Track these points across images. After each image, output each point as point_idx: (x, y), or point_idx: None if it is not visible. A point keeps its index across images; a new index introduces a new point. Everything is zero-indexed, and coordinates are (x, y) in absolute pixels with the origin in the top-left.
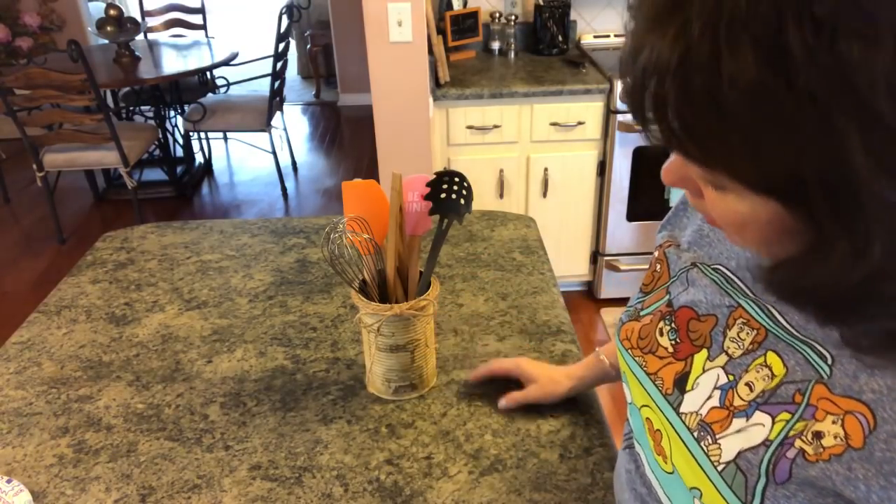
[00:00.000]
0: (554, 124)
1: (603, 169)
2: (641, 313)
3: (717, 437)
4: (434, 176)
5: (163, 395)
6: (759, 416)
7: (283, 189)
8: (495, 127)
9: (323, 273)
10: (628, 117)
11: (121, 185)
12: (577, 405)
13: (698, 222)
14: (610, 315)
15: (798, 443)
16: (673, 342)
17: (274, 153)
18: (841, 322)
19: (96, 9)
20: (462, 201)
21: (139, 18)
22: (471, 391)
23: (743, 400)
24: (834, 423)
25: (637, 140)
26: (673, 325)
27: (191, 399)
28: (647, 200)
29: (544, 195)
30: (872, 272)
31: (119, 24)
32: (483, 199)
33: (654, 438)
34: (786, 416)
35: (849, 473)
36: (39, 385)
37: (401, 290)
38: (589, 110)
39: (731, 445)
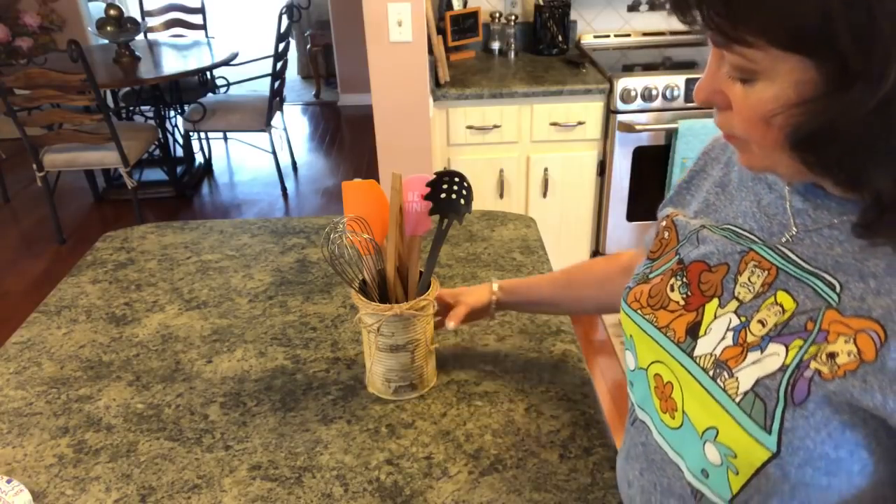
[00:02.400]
0: (554, 124)
1: (603, 169)
2: (650, 276)
3: (734, 371)
4: (434, 176)
5: (163, 395)
6: (773, 347)
7: (283, 189)
8: (495, 127)
9: (323, 273)
10: (628, 117)
11: (121, 185)
12: (577, 405)
13: (703, 194)
14: (610, 315)
15: (813, 364)
16: (684, 296)
17: (274, 153)
18: (858, 176)
19: (96, 9)
20: (462, 201)
21: (139, 18)
22: (471, 391)
23: (755, 336)
24: (846, 342)
25: (637, 140)
26: (684, 279)
27: (191, 399)
28: (647, 200)
29: (544, 195)
30: (888, 98)
31: (119, 24)
32: (483, 199)
33: (661, 396)
34: (799, 342)
35: (864, 385)
36: (39, 385)
37: (401, 290)
38: (589, 110)
39: (748, 376)
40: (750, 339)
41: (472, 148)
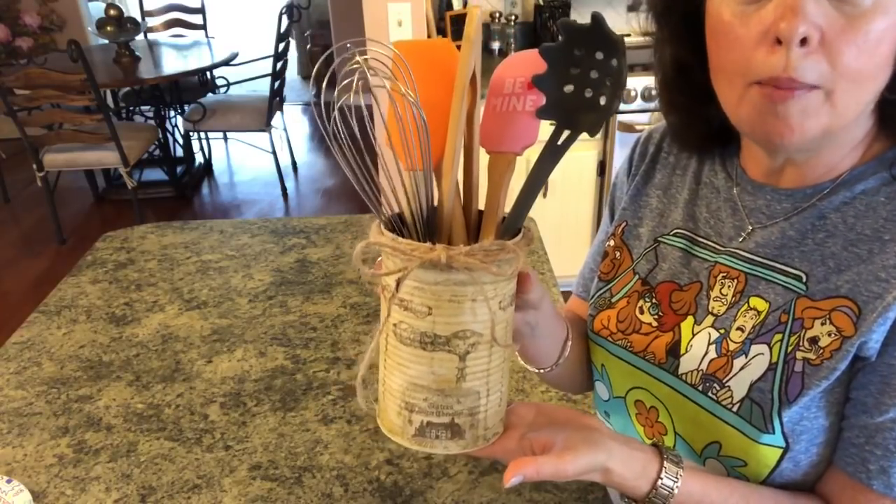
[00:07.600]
0: (554, 124)
1: (603, 169)
2: (612, 300)
3: (724, 381)
4: (555, 44)
5: (163, 395)
6: (756, 348)
7: (283, 189)
8: None
9: (323, 273)
10: (628, 117)
11: (121, 185)
12: (577, 405)
13: (648, 199)
14: None
15: (800, 354)
16: (656, 316)
17: (274, 153)
18: None
19: (96, 9)
20: (602, 98)
21: (139, 18)
22: None
23: (737, 343)
24: (823, 324)
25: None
26: (654, 300)
27: (191, 399)
28: None
29: (544, 195)
30: None
31: (119, 24)
32: (483, 199)
33: (645, 423)
34: (778, 336)
35: (847, 354)
36: (39, 385)
37: (464, 239)
38: None
39: (740, 383)
40: (732, 346)
41: None
